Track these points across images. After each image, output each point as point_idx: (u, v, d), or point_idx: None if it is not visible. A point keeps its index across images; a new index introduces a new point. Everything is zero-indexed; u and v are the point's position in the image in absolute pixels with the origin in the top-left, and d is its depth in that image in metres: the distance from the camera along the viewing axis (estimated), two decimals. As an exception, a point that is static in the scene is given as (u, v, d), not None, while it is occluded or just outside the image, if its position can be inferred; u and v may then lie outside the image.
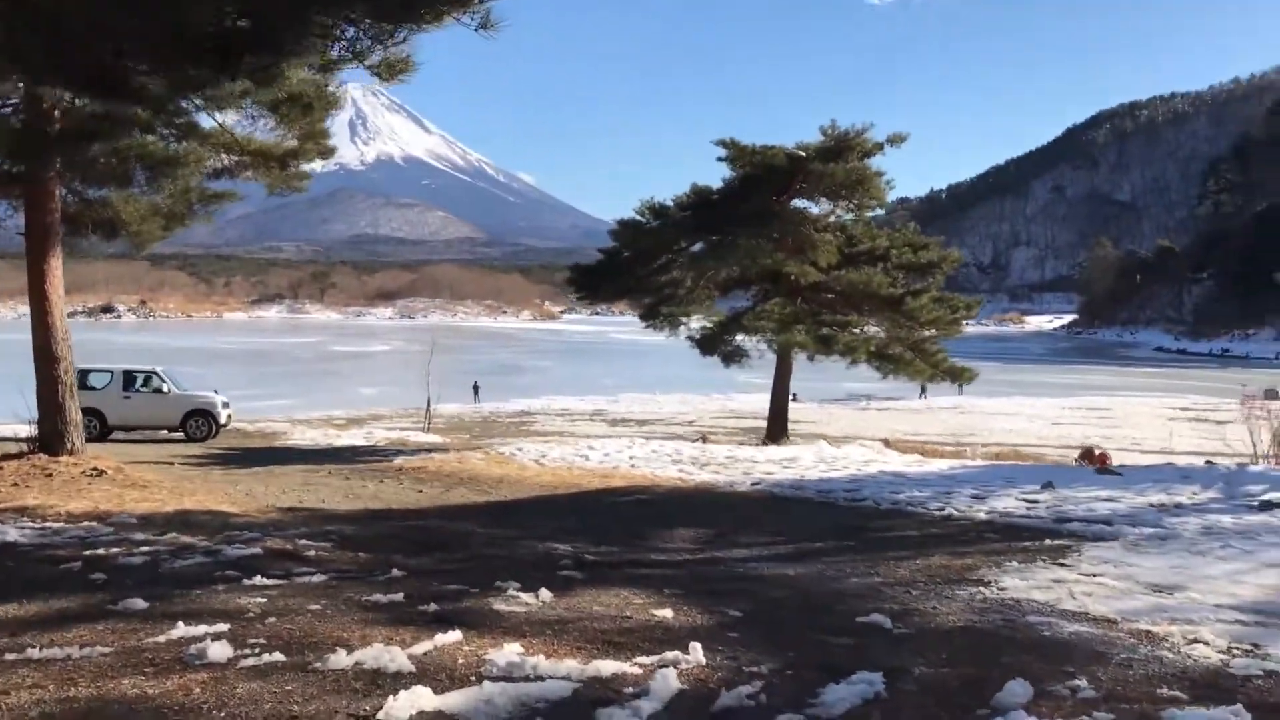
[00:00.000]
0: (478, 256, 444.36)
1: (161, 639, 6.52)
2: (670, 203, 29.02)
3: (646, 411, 55.35)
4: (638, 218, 28.78)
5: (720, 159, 28.21)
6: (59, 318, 16.21)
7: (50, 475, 15.05)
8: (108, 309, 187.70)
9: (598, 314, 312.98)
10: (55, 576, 8.59)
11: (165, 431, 29.46)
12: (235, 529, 11.20)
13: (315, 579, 8.55)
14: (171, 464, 21.03)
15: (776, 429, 30.33)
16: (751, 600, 8.00)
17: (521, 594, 7.96)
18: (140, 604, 7.52)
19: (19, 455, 16.04)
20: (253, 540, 10.27)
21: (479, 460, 20.38)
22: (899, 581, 8.81)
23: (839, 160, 26.30)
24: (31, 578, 8.54)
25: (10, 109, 16.10)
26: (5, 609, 7.53)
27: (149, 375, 29.56)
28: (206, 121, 15.98)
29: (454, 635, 6.50)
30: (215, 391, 31.09)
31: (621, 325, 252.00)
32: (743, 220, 26.37)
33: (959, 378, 30.56)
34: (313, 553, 9.74)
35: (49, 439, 16.17)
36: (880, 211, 29.65)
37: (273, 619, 7.10)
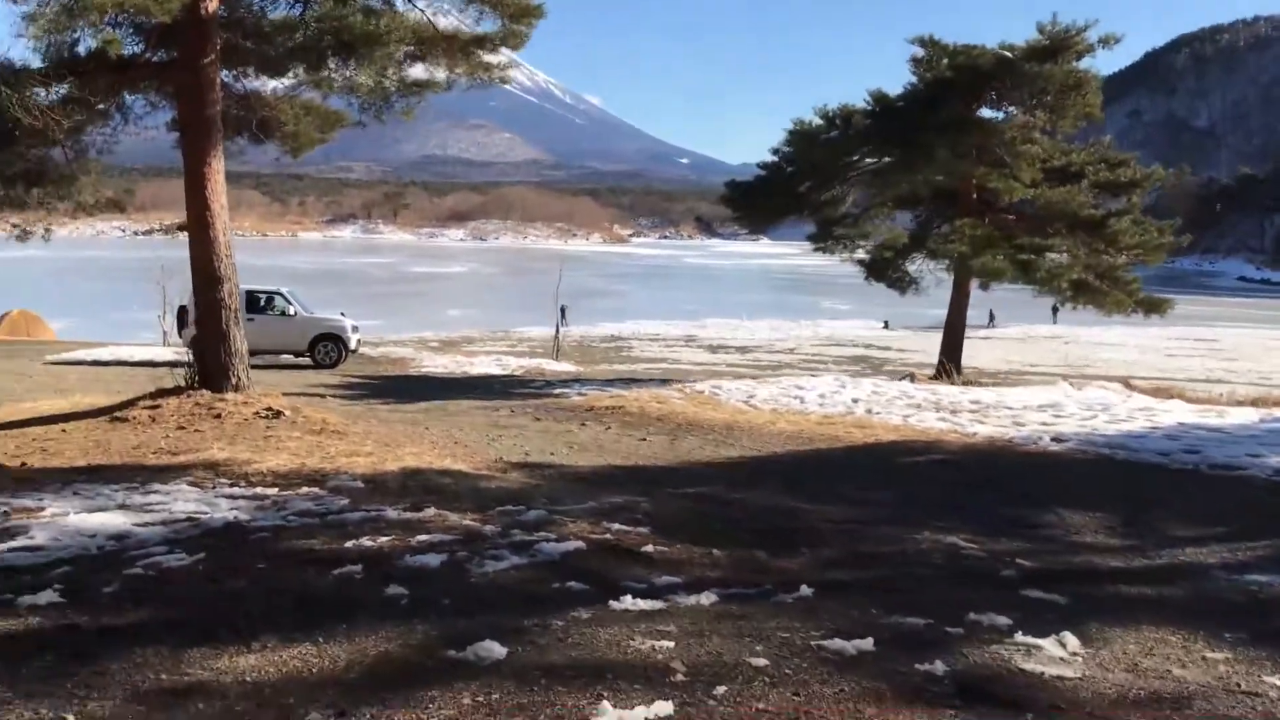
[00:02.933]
0: (545, 179, 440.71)
1: (600, 734, 4.09)
2: (833, 111, 26.01)
3: (740, 338, 52.66)
4: (809, 127, 25.76)
5: (912, 60, 25.18)
6: (222, 230, 13.70)
7: (219, 416, 12.65)
8: (184, 227, 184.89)
9: (666, 238, 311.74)
10: (335, 591, 6.09)
11: (291, 357, 27.20)
12: (499, 500, 8.70)
13: (703, 600, 6.07)
14: (322, 396, 18.69)
15: (951, 365, 27.47)
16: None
17: (1035, 640, 5.45)
18: (498, 650, 5.06)
19: (177, 391, 13.61)
20: (547, 523, 7.76)
21: (679, 401, 17.74)
22: None
23: (1055, 61, 23.19)
24: (304, 592, 6.04)
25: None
26: (300, 653, 5.07)
27: (273, 296, 27.18)
28: None
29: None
30: (342, 314, 28.75)
31: (692, 249, 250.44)
32: (936, 130, 23.35)
33: (1156, 310, 27.50)
34: (649, 548, 7.19)
35: (212, 372, 13.72)
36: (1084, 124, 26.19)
37: (722, 688, 4.67)
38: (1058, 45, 23.33)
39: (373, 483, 9.41)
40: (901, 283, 27.77)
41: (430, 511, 8.05)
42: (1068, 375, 34.59)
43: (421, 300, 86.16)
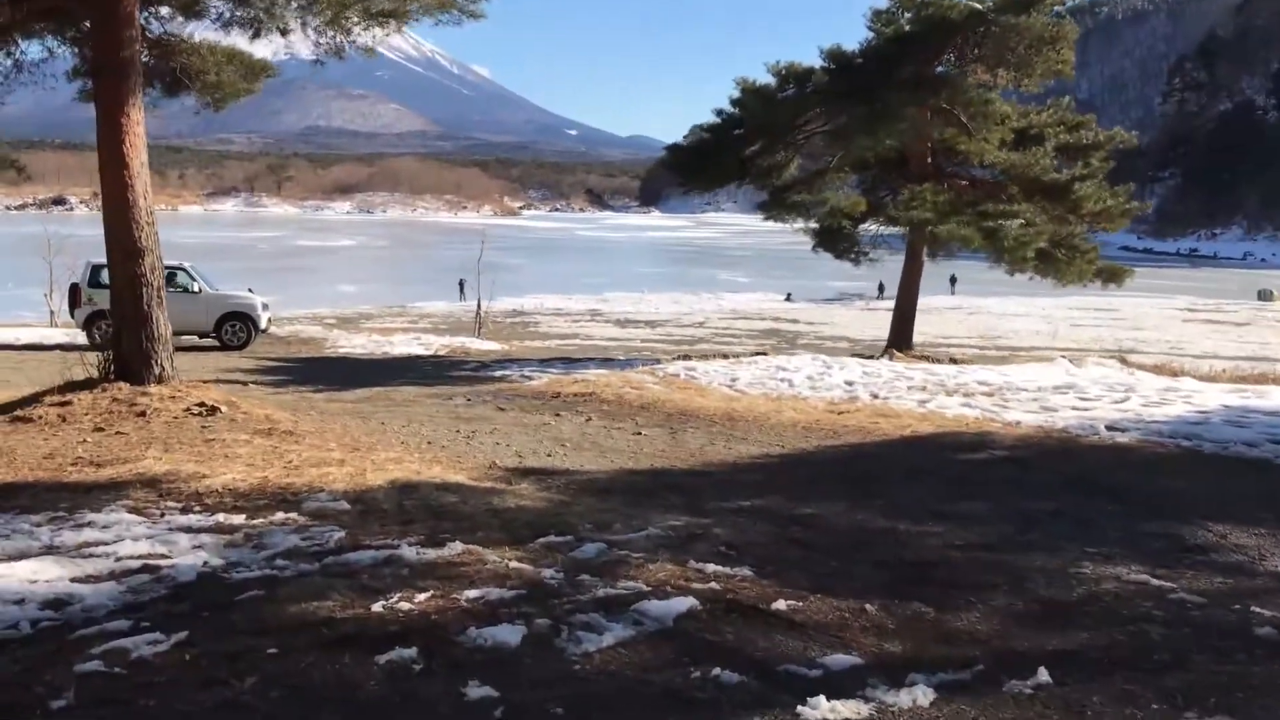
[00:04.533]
0: (432, 150, 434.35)
1: None
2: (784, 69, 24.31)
3: (645, 312, 51.09)
4: (755, 85, 24.00)
5: (871, 13, 23.54)
6: (143, 193, 11.54)
7: (144, 415, 10.56)
8: (59, 201, 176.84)
9: (557, 210, 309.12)
10: (393, 695, 4.17)
11: (195, 338, 24.86)
12: (532, 527, 6.84)
13: (919, 699, 4.29)
14: (244, 384, 16.57)
15: (902, 338, 26.09)
16: None
17: None
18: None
19: (89, 384, 11.46)
20: (617, 565, 5.94)
21: (655, 385, 15.91)
22: None
23: (1029, 13, 21.67)
24: (348, 697, 4.13)
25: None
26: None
27: (174, 272, 24.66)
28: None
29: None
30: (250, 290, 26.43)
31: (583, 222, 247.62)
32: (900, 87, 21.78)
33: (1114, 279, 26.36)
34: (781, 604, 5.37)
35: (131, 361, 11.58)
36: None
37: None
38: (1032, -4, 21.82)
39: (360, 503, 7.48)
40: (851, 253, 26.30)
41: (458, 548, 6.16)
42: (984, 347, 33.64)
43: (312, 275, 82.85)
